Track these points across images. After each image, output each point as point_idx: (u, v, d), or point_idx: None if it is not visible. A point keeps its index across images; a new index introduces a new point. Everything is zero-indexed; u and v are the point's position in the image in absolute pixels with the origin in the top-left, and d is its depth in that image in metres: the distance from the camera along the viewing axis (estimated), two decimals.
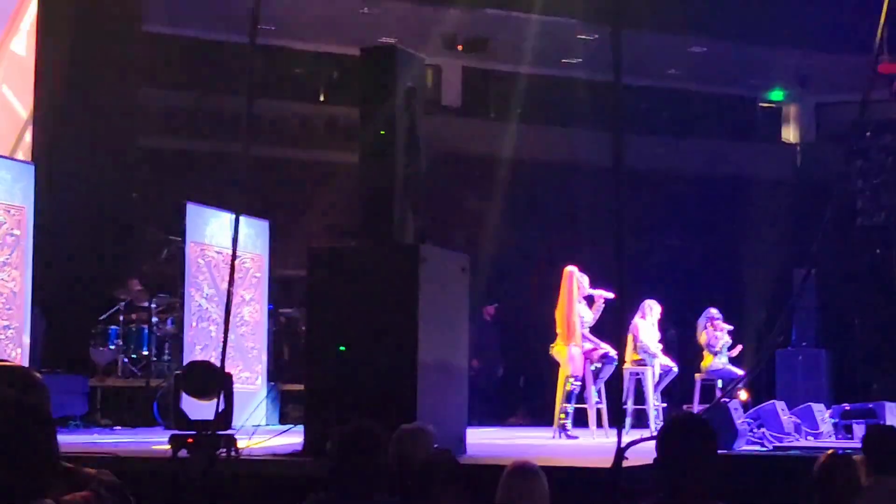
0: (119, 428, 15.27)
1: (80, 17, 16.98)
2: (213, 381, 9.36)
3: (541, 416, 18.04)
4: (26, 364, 11.59)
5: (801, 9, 22.49)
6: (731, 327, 15.57)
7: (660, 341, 15.13)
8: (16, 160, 13.36)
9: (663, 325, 15.47)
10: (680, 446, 4.50)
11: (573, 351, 14.04)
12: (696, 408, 14.99)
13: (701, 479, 4.47)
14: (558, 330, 14.18)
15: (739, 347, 15.64)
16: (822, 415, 13.68)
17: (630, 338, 14.66)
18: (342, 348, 9.80)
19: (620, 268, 9.13)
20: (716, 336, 15.52)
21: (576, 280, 14.21)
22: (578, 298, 14.22)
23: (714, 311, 15.59)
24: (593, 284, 14.34)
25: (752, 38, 24.21)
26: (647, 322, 15.00)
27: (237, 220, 9.75)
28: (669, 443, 4.55)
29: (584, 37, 23.67)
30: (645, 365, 14.80)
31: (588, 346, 14.24)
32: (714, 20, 23.54)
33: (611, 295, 13.88)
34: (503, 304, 21.27)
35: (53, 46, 16.05)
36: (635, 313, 14.98)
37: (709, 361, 15.49)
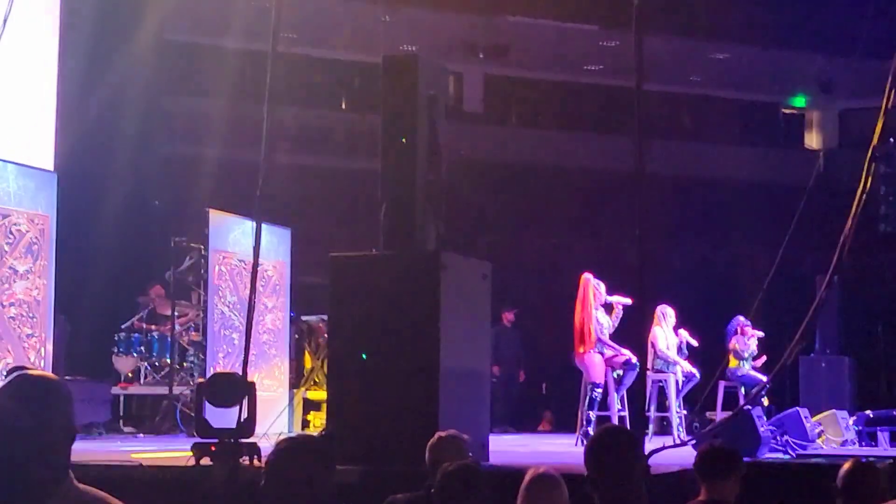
0: (142, 435, 15.30)
1: (101, 25, 17.02)
2: (237, 391, 9.37)
3: (564, 423, 18.02)
4: (49, 372, 11.61)
5: (825, 14, 22.43)
6: (761, 334, 15.55)
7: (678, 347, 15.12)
8: (38, 169, 13.39)
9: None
10: (606, 458, 4.52)
11: (594, 358, 14.02)
12: (719, 414, 14.97)
13: (629, 491, 4.48)
14: (576, 337, 14.16)
15: (763, 358, 15.62)
16: (846, 422, 13.64)
17: (648, 346, 14.65)
18: (364, 356, 9.80)
19: (642, 274, 9.12)
20: (745, 343, 15.50)
21: (591, 287, 14.18)
22: (595, 305, 14.19)
23: (742, 319, 15.58)
24: (615, 291, 14.30)
25: (774, 43, 24.16)
26: (664, 329, 14.97)
27: (258, 228, 9.76)
28: (595, 455, 4.58)
29: (605, 43, 23.64)
30: (667, 372, 14.77)
31: (609, 352, 14.21)
32: (736, 26, 23.50)
33: (628, 301, 13.88)
34: (524, 311, 21.23)
35: (75, 54, 16.09)
36: (652, 322, 14.94)
37: (734, 365, 15.46)
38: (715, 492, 6.47)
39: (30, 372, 3.54)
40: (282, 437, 4.59)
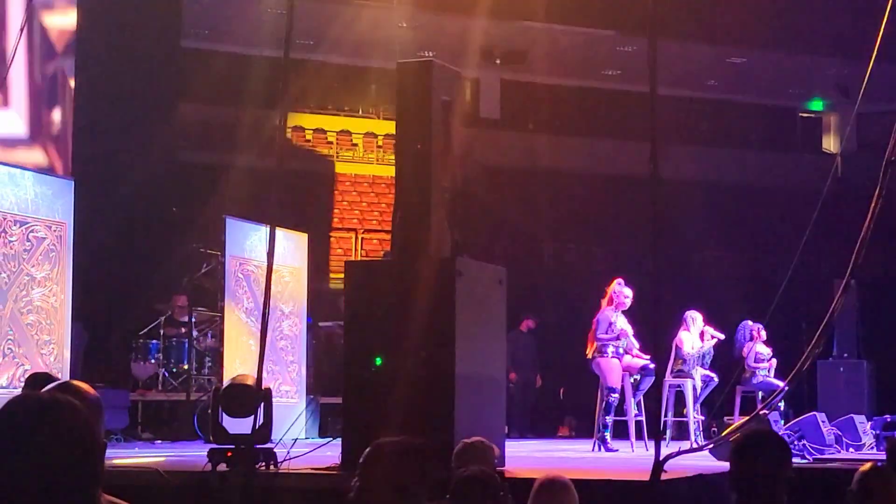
0: (160, 442, 15.33)
1: (118, 33, 17.08)
2: (252, 401, 9.37)
3: (581, 428, 18.00)
4: (67, 379, 11.64)
5: (842, 18, 22.38)
6: (722, 336, 15.53)
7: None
8: (56, 176, 13.44)
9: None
10: (754, 462, 4.49)
11: (611, 363, 14.01)
12: (737, 419, 14.93)
13: (773, 497, 4.45)
14: (589, 341, 14.19)
15: (774, 362, 15.62)
16: (864, 426, 13.60)
17: (674, 350, 14.65)
18: (379, 361, 9.80)
19: (657, 278, 9.10)
20: (757, 351, 15.49)
21: (612, 291, 14.17)
22: (614, 309, 14.17)
23: (751, 323, 15.56)
24: (634, 297, 14.27)
25: (791, 48, 24.11)
26: (691, 334, 14.95)
27: (272, 233, 9.77)
28: (744, 458, 4.54)
29: (621, 48, 23.63)
30: (685, 377, 14.74)
31: (628, 358, 14.20)
32: (753, 30, 23.45)
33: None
34: (540, 316, 21.21)
35: (92, 62, 16.15)
36: (679, 327, 14.95)
37: (749, 374, 15.45)
38: None
39: (73, 383, 3.54)
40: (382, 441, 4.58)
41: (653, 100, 9.27)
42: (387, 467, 4.42)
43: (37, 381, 6.99)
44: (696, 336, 14.98)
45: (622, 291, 14.19)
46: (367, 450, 4.48)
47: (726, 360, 16.01)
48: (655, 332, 10.10)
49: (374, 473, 4.43)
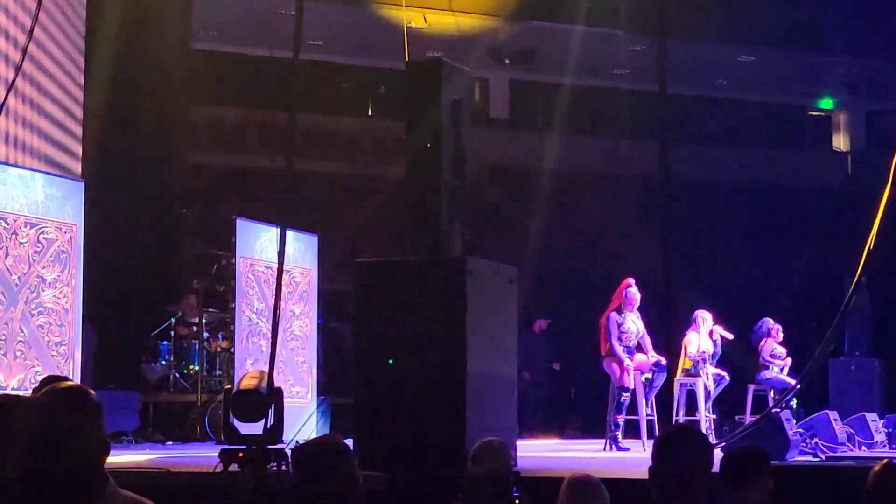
0: (171, 443, 15.34)
1: (128, 34, 17.09)
2: (262, 407, 9.37)
3: (592, 428, 17.98)
4: (78, 380, 11.66)
5: (851, 16, 22.35)
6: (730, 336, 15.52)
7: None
8: (66, 177, 13.45)
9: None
10: (675, 457, 4.49)
11: (625, 362, 13.99)
12: (748, 417, 14.91)
13: (693, 494, 4.44)
14: (601, 341, 14.18)
15: (789, 361, 15.63)
16: (876, 424, 13.57)
17: (683, 349, 14.64)
18: (390, 361, 9.80)
19: (668, 277, 9.09)
20: (773, 347, 15.47)
21: (622, 291, 14.15)
22: (623, 309, 14.15)
23: (771, 321, 15.56)
24: (645, 296, 14.26)
25: (800, 46, 24.08)
26: (699, 334, 14.94)
27: (283, 234, 9.77)
28: (664, 452, 4.54)
29: (631, 48, 23.61)
30: (696, 376, 14.72)
31: (640, 356, 14.19)
32: (762, 29, 23.43)
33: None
34: (551, 315, 21.21)
35: (102, 63, 16.16)
36: (689, 326, 14.94)
37: (761, 369, 15.44)
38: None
39: (60, 385, 3.55)
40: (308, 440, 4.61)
41: (662, 99, 9.26)
42: (319, 468, 4.46)
43: (51, 384, 7.00)
44: (705, 335, 14.96)
45: (629, 293, 14.16)
46: (294, 453, 4.54)
47: (739, 358, 16.00)
48: (667, 331, 10.08)
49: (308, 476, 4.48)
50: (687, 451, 4.54)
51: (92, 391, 3.77)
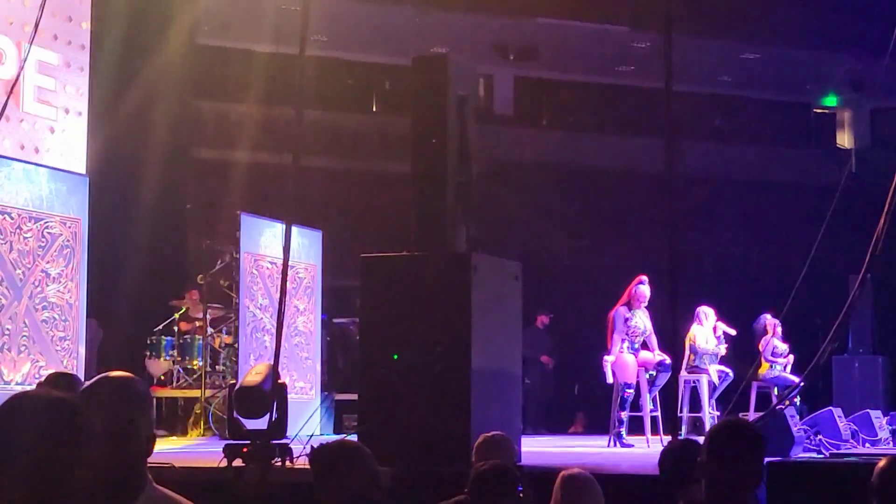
0: (175, 438, 15.35)
1: (133, 30, 17.08)
2: (264, 404, 9.37)
3: (595, 425, 17.99)
4: (82, 376, 11.67)
5: (855, 12, 22.32)
6: (733, 332, 15.51)
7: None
8: (70, 172, 13.46)
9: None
10: (728, 450, 4.47)
11: (626, 359, 13.99)
12: (752, 415, 14.92)
13: (745, 487, 4.43)
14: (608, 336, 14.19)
15: (791, 358, 15.63)
16: (880, 421, 13.57)
17: (687, 345, 14.64)
18: (395, 357, 9.80)
19: (673, 274, 9.09)
20: (774, 345, 15.48)
21: (631, 288, 14.15)
22: (632, 306, 14.14)
23: (770, 317, 15.55)
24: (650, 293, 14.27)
25: (805, 43, 24.06)
26: (704, 329, 14.94)
27: (288, 230, 9.77)
28: (716, 445, 4.52)
29: (635, 44, 23.60)
30: (700, 372, 14.73)
31: (644, 353, 14.19)
32: (766, 26, 23.40)
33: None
34: (555, 312, 21.20)
35: (107, 58, 16.15)
36: (691, 321, 14.94)
37: (765, 368, 15.44)
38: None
39: (111, 374, 3.52)
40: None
41: (668, 95, 9.25)
42: (339, 474, 4.51)
43: (58, 383, 7.00)
44: (709, 331, 14.97)
45: (639, 290, 14.15)
46: (312, 455, 4.57)
47: (742, 355, 16.00)
48: (672, 328, 10.08)
49: (328, 481, 4.53)
50: (741, 446, 4.53)
51: (143, 382, 3.72)
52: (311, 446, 5.09)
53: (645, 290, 14.11)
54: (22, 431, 2.73)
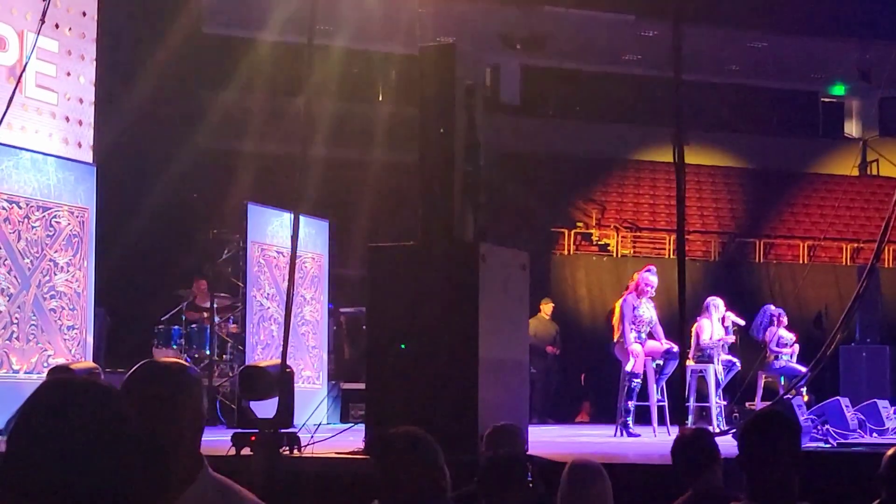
0: None
1: (140, 20, 17.10)
2: (268, 383, 9.38)
3: (602, 414, 18.00)
4: (91, 363, 11.69)
5: (863, 1, 22.30)
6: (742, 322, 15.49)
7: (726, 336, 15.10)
8: (78, 161, 13.48)
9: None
10: (762, 442, 4.46)
11: (633, 348, 13.98)
12: (759, 405, 14.91)
13: (784, 477, 4.42)
14: (615, 327, 14.18)
15: (797, 348, 15.64)
16: (887, 411, 13.56)
17: (693, 336, 14.62)
18: (402, 346, 9.80)
19: (681, 263, 9.09)
20: (780, 335, 15.47)
21: (638, 277, 14.14)
22: (638, 296, 14.13)
23: (773, 308, 15.55)
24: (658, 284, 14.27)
25: (813, 32, 24.05)
26: (711, 321, 14.93)
27: (296, 219, 9.78)
28: (751, 438, 4.51)
29: (643, 33, 23.59)
30: (707, 362, 14.72)
31: (651, 342, 14.17)
32: (774, 15, 23.39)
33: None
34: (562, 301, 21.20)
35: (114, 48, 16.16)
36: (700, 313, 14.94)
37: (771, 358, 15.45)
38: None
39: (159, 360, 3.51)
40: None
41: (677, 85, 9.24)
42: (404, 459, 4.51)
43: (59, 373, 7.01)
44: (717, 322, 14.95)
45: (647, 278, 14.13)
46: (378, 443, 4.55)
47: (748, 345, 16.00)
48: (680, 318, 10.07)
49: (393, 466, 4.52)
50: (779, 435, 4.52)
51: (190, 366, 3.72)
52: (376, 436, 5.06)
53: (653, 278, 14.09)
54: (76, 422, 2.69)
